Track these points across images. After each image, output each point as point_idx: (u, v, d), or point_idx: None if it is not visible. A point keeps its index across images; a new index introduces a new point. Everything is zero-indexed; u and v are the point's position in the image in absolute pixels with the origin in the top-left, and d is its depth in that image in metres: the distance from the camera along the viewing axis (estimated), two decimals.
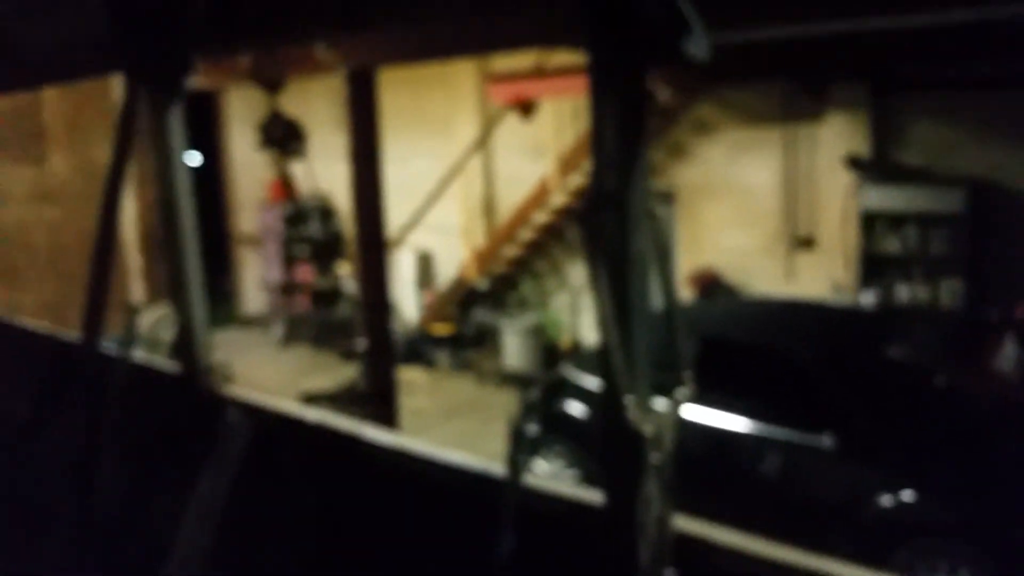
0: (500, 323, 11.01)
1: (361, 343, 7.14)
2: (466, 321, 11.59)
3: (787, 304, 7.84)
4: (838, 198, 8.73)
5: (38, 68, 4.17)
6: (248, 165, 13.77)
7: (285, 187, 11.57)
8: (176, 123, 3.03)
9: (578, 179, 10.22)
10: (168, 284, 3.22)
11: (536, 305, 11.34)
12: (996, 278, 8.07)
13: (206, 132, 13.71)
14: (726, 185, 9.63)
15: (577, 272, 10.94)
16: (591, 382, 6.70)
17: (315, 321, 12.89)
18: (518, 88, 9.41)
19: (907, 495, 5.36)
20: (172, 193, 3.07)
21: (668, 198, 9.85)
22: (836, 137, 8.79)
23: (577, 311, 10.94)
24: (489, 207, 11.88)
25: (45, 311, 10.55)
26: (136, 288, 11.07)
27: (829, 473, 5.67)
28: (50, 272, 11.33)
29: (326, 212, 13.14)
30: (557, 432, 6.83)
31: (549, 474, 6.63)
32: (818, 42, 6.80)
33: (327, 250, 12.96)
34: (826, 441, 5.63)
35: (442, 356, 11.54)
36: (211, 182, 13.71)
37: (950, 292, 8.17)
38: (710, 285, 9.47)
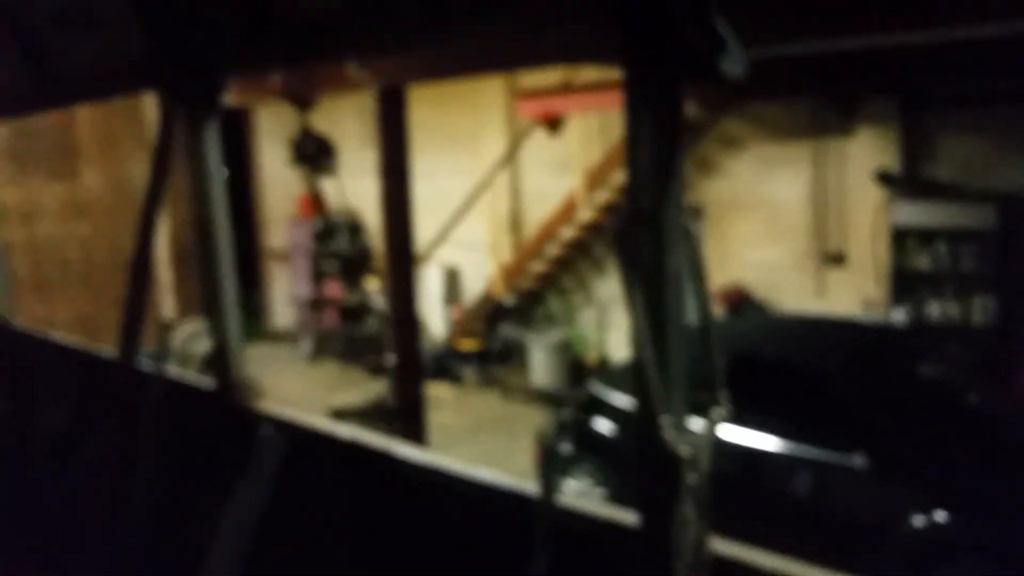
0: (527, 339, 11.00)
1: (390, 359, 7.16)
2: (493, 337, 11.59)
3: (817, 321, 7.78)
4: (868, 214, 8.67)
5: (76, 86, 4.23)
6: (278, 181, 13.89)
7: (315, 203, 11.64)
8: (212, 140, 3.07)
9: (605, 195, 10.22)
10: (203, 301, 3.25)
11: (563, 321, 11.33)
12: None
13: (237, 148, 13.84)
14: (754, 200, 9.59)
15: (604, 288, 10.92)
16: (620, 399, 6.67)
17: (343, 336, 12.94)
18: (546, 104, 9.43)
19: (940, 515, 5.28)
20: (208, 210, 3.11)
21: (695, 213, 9.81)
22: (866, 152, 8.73)
23: (604, 327, 10.91)
24: (516, 223, 11.89)
25: (77, 325, 10.67)
26: (167, 303, 11.17)
27: (860, 493, 5.60)
28: (82, 287, 11.47)
29: (355, 228, 13.21)
30: (585, 450, 6.79)
31: (577, 492, 6.60)
32: (848, 57, 6.77)
33: (355, 265, 13.02)
34: (857, 460, 5.56)
35: (469, 372, 11.54)
36: (241, 198, 13.83)
37: (982, 309, 8.08)
38: (738, 302, 9.42)
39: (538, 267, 11.33)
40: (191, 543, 3.23)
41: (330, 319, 13.34)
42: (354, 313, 12.92)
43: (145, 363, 3.58)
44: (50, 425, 4.69)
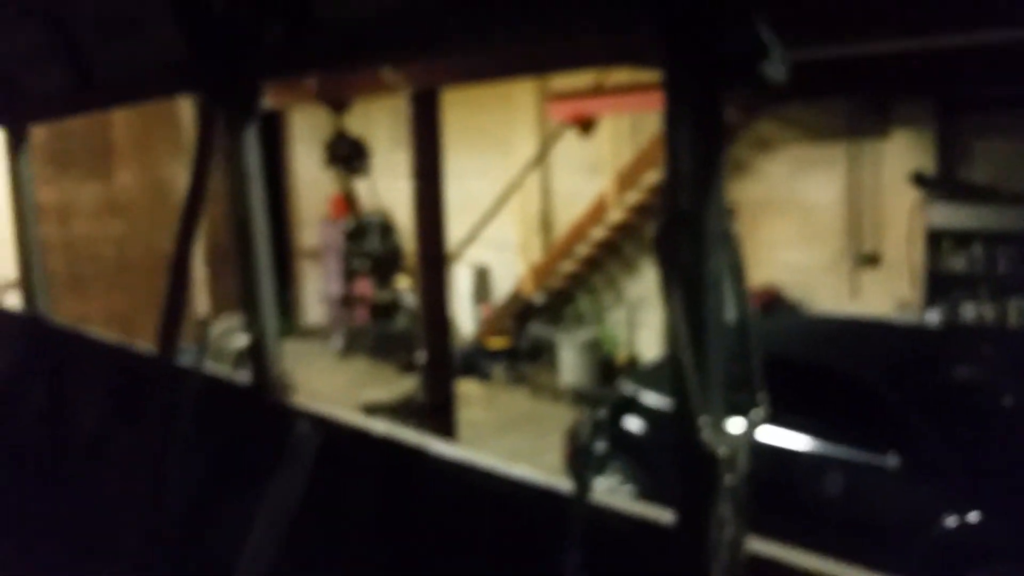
0: (556, 338, 11.02)
1: (421, 356, 7.21)
2: (522, 335, 11.61)
3: (851, 322, 7.73)
4: (903, 215, 8.60)
5: (117, 89, 4.30)
6: (310, 181, 14.01)
7: (347, 203, 11.73)
8: (251, 142, 3.11)
9: (636, 195, 10.21)
10: (240, 299, 3.29)
11: (592, 320, 11.33)
12: None
13: (271, 149, 13.97)
14: (788, 202, 9.54)
15: (634, 287, 10.91)
16: (650, 398, 6.67)
17: (374, 333, 13.02)
18: (577, 106, 9.43)
19: (972, 517, 5.24)
20: (247, 210, 3.15)
21: (728, 214, 9.76)
22: (902, 154, 8.66)
23: (634, 326, 10.90)
24: (546, 223, 11.91)
25: (111, 322, 10.80)
26: (201, 300, 11.29)
27: (893, 493, 5.57)
28: (116, 284, 11.61)
29: (386, 227, 13.29)
30: (615, 447, 6.80)
31: (606, 489, 6.61)
32: (884, 58, 6.72)
33: (386, 264, 13.10)
34: (891, 461, 5.53)
35: (498, 370, 11.57)
36: (274, 198, 13.95)
37: (1017, 311, 7.99)
38: (771, 302, 9.38)
39: (568, 267, 11.34)
40: (226, 538, 3.27)
41: (361, 316, 13.44)
42: (385, 310, 13.00)
43: (183, 360, 3.63)
44: (87, 421, 4.76)
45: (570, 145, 10.62)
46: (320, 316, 14.43)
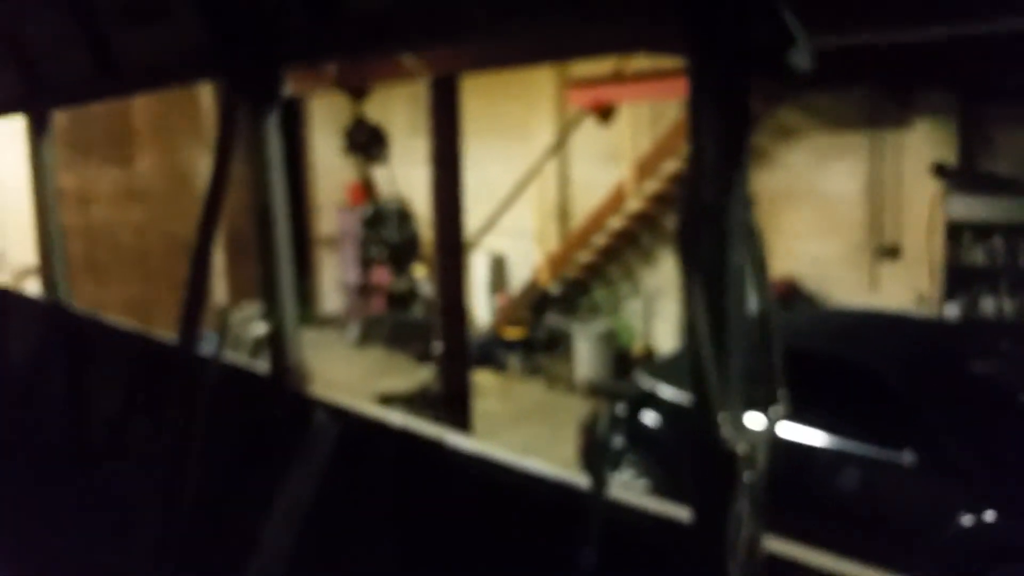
0: (572, 328, 11.00)
1: (437, 347, 7.22)
2: (538, 325, 11.60)
3: (869, 315, 7.68)
4: (924, 207, 8.53)
5: (139, 75, 4.31)
6: (328, 168, 14.01)
7: (365, 190, 11.74)
8: (272, 130, 3.11)
9: (655, 185, 10.17)
10: (260, 287, 3.30)
11: (608, 311, 11.31)
12: None
13: (289, 136, 13.96)
14: (808, 192, 9.48)
15: (651, 278, 10.88)
16: (666, 391, 6.65)
17: (390, 322, 13.03)
18: (597, 93, 9.39)
19: (989, 515, 5.21)
20: (267, 199, 3.15)
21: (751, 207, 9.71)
22: (923, 144, 8.59)
23: (650, 317, 10.87)
24: (564, 212, 11.88)
25: (129, 308, 10.87)
26: (219, 287, 11.34)
27: (909, 490, 5.54)
28: (135, 270, 11.67)
29: (403, 215, 13.28)
30: (630, 440, 6.79)
31: (620, 483, 6.60)
32: (907, 48, 6.66)
33: (403, 252, 13.10)
34: (907, 457, 5.50)
35: (513, 360, 11.56)
36: (292, 185, 13.97)
37: None
38: (789, 294, 9.33)
39: (585, 257, 11.31)
40: (243, 527, 3.29)
41: (377, 305, 13.45)
42: (401, 299, 13.01)
43: (203, 347, 3.65)
44: (106, 409, 4.79)
45: (589, 133, 10.58)
46: (337, 304, 14.46)
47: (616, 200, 10.63)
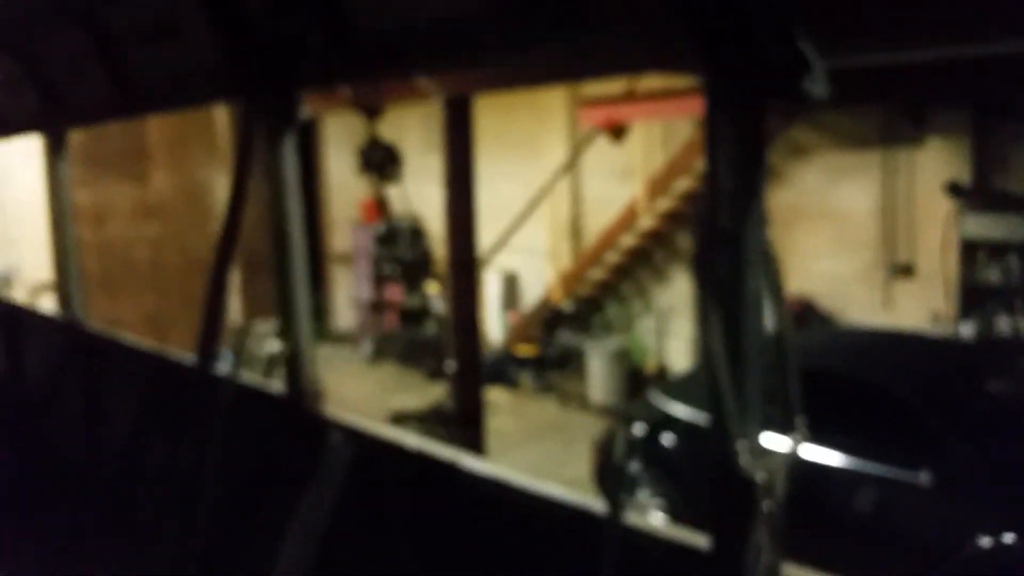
0: (584, 346, 10.98)
1: (450, 365, 7.21)
2: (550, 343, 11.59)
3: (884, 334, 7.65)
4: (938, 225, 8.49)
5: (157, 95, 4.34)
6: (342, 185, 14.07)
7: (379, 208, 11.78)
8: (289, 152, 3.13)
9: (667, 203, 10.17)
10: (276, 308, 3.30)
11: (621, 328, 11.29)
12: None
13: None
14: (821, 210, 9.46)
15: (664, 296, 10.86)
16: (680, 410, 6.63)
17: (403, 339, 13.05)
18: (609, 111, 9.41)
19: (1007, 537, 5.16)
20: (284, 219, 3.17)
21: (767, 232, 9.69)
22: (937, 162, 8.57)
23: (663, 335, 10.85)
24: (576, 230, 11.89)
25: (144, 323, 10.91)
26: (233, 304, 11.37)
27: (925, 511, 5.49)
28: (150, 286, 11.72)
29: (416, 232, 13.33)
30: (644, 460, 6.76)
31: (635, 502, 6.57)
32: (920, 66, 6.65)
33: (416, 269, 13.14)
34: (923, 478, 5.46)
35: (525, 377, 11.55)
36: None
37: None
38: (802, 313, 9.29)
39: (597, 274, 11.30)
40: (258, 548, 3.28)
41: (390, 322, 13.48)
42: (414, 316, 13.04)
43: (219, 366, 3.65)
44: (122, 428, 4.80)
45: (601, 151, 10.59)
46: (350, 321, 14.49)
47: (628, 218, 10.63)
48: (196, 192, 11.90)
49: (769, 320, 1.83)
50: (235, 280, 11.28)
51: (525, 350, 11.69)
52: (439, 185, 7.05)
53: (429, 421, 8.32)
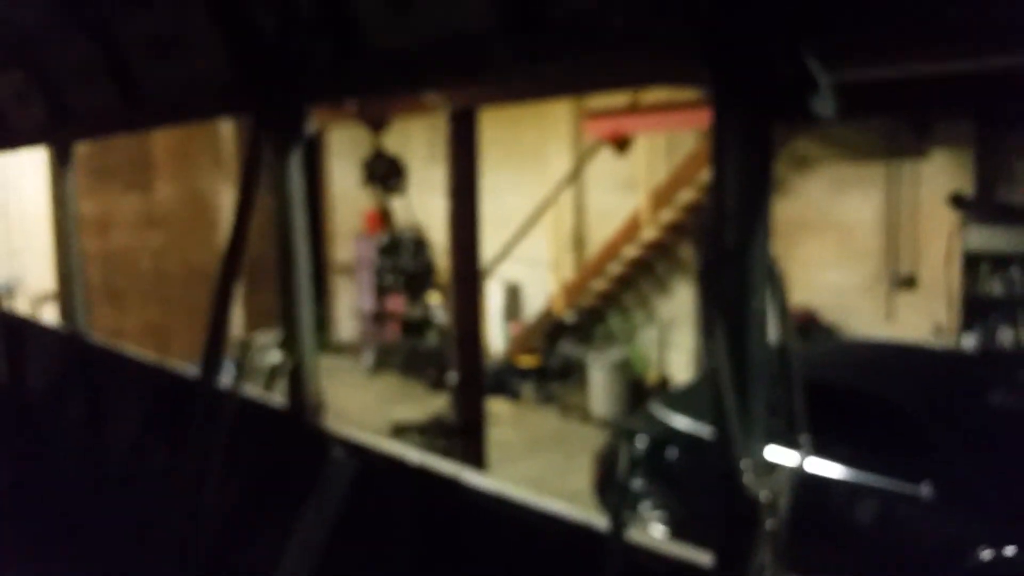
0: (586, 357, 10.97)
1: (452, 377, 7.21)
2: (552, 354, 11.58)
3: (886, 346, 7.64)
4: (941, 237, 8.50)
5: (164, 108, 4.36)
6: (345, 196, 14.10)
7: (383, 219, 11.78)
8: (296, 166, 3.14)
9: (670, 214, 10.18)
10: (280, 322, 3.31)
11: (623, 340, 11.28)
12: None
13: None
14: (824, 221, 9.46)
15: (666, 307, 10.86)
16: (681, 422, 6.62)
17: (405, 349, 13.05)
18: (613, 123, 9.43)
19: (1009, 551, 5.15)
20: (289, 232, 3.17)
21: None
22: (940, 174, 8.57)
23: (665, 346, 10.84)
24: (579, 241, 11.90)
25: (147, 333, 10.92)
26: (235, 316, 11.37)
27: (927, 524, 5.48)
28: (153, 296, 11.74)
29: (419, 243, 13.35)
30: (648, 475, 6.75)
31: (635, 516, 6.55)
32: (924, 78, 6.66)
33: (418, 280, 13.13)
34: (924, 490, 5.45)
35: (527, 388, 11.54)
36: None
37: None
38: (805, 325, 9.29)
39: (600, 285, 11.31)
40: (260, 562, 3.28)
41: (392, 332, 13.48)
42: (416, 327, 13.03)
43: (221, 378, 3.65)
44: (124, 440, 4.80)
45: (605, 162, 10.61)
46: (352, 332, 14.50)
47: (631, 229, 10.64)
48: (200, 203, 11.92)
49: (774, 336, 1.83)
50: (238, 291, 11.29)
51: (527, 361, 11.69)
52: (443, 196, 7.05)
53: (430, 432, 8.31)
